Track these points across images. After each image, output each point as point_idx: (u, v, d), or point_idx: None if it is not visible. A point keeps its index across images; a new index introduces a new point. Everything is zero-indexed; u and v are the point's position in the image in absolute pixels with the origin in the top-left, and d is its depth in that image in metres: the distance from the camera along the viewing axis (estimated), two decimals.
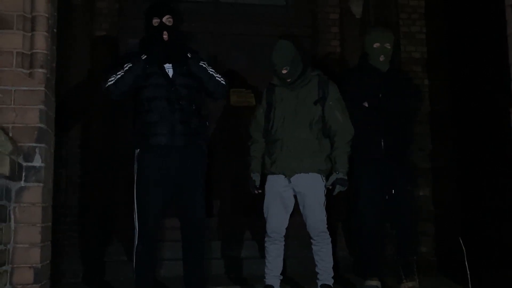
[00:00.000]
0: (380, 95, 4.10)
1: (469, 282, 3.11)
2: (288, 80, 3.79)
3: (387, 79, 4.14)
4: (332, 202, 3.95)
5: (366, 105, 4.09)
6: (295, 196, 3.80)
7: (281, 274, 3.82)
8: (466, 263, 3.07)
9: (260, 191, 3.88)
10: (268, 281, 3.77)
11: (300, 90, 3.81)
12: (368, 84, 4.13)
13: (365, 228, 4.09)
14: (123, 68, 3.57)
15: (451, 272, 4.53)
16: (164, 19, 3.63)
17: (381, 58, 4.14)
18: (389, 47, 4.15)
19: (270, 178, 3.81)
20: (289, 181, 3.74)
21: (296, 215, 3.85)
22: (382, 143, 4.04)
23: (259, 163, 3.89)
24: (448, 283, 4.37)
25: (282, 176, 3.75)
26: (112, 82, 3.57)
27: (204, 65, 3.66)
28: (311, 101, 3.77)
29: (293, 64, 3.77)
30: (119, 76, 3.57)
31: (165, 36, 3.61)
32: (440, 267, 5.03)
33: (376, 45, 4.13)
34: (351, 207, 5.17)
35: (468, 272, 3.07)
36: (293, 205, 3.81)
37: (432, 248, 5.17)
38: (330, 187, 3.77)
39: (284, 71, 3.76)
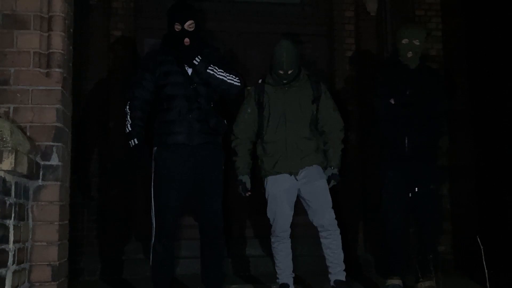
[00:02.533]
0: (408, 92, 4.04)
1: (487, 281, 3.07)
2: (285, 82, 3.80)
3: (416, 76, 4.08)
4: (347, 200, 3.93)
5: (393, 101, 4.05)
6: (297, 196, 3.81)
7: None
8: (484, 262, 3.03)
9: (250, 193, 3.87)
10: (282, 279, 3.76)
11: (295, 90, 3.81)
12: (396, 81, 4.09)
13: (389, 226, 4.06)
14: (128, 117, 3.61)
15: (469, 271, 4.48)
16: (186, 26, 3.60)
17: (409, 54, 4.08)
18: (418, 44, 4.08)
19: (272, 178, 3.77)
20: (296, 179, 3.74)
21: (303, 214, 3.83)
22: (407, 140, 3.99)
23: (247, 165, 3.86)
24: (465, 282, 4.32)
25: (287, 175, 3.74)
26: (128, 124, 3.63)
27: (212, 71, 3.60)
28: (309, 100, 3.80)
29: (296, 66, 3.80)
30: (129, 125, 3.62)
31: (187, 43, 3.61)
32: (458, 266, 4.98)
33: (404, 40, 4.08)
34: (368, 204, 5.15)
35: (486, 271, 3.04)
36: (294, 202, 3.81)
37: (450, 246, 5.13)
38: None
39: (290, 72, 3.76)
